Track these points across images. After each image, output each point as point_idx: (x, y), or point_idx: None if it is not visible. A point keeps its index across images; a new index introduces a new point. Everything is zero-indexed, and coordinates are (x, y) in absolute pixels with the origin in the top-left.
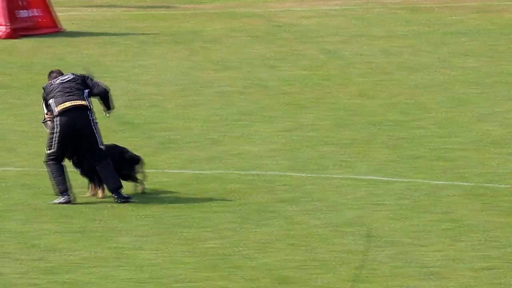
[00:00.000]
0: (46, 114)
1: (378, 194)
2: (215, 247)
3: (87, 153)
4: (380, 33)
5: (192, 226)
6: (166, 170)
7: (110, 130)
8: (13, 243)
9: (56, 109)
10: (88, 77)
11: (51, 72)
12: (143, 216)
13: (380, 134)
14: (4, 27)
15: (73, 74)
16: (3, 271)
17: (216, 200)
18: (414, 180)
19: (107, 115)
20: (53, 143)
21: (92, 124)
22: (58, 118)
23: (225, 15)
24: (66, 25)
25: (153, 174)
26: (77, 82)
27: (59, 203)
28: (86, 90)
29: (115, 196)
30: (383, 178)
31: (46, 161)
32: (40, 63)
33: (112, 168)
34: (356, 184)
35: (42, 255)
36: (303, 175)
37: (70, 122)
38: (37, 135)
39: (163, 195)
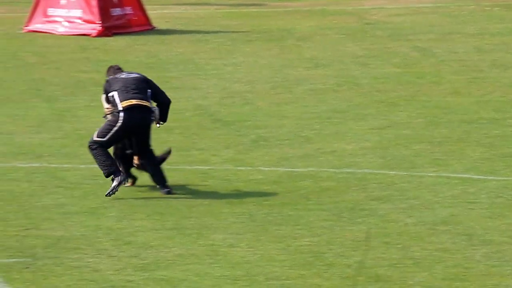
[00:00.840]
0: (107, 108)
1: (473, 192)
2: (309, 245)
3: (137, 149)
4: (473, 30)
5: (286, 223)
6: (259, 168)
7: (203, 128)
8: (109, 240)
9: (121, 105)
10: (152, 81)
11: (111, 67)
12: (237, 214)
13: (473, 132)
14: (97, 25)
15: (138, 73)
16: (99, 268)
17: (310, 197)
18: (508, 178)
19: (158, 125)
20: (108, 134)
21: (151, 125)
22: (122, 114)
23: (316, 12)
24: (159, 23)
25: (246, 172)
26: (143, 81)
27: (114, 187)
28: (149, 91)
29: (161, 188)
30: (477, 176)
31: (90, 146)
32: (134, 61)
33: (159, 166)
34: (450, 182)
35: (137, 252)
36: (397, 173)
37: (133, 120)
38: None
39: (256, 193)
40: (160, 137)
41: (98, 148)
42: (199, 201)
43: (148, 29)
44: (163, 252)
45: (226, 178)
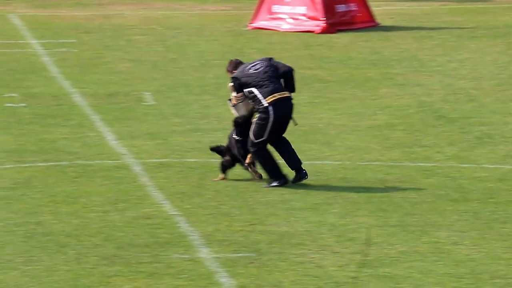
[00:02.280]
0: (236, 97)
1: None
2: None
3: (276, 138)
4: None
5: (511, 221)
6: (483, 165)
7: (426, 125)
8: (332, 236)
9: (265, 101)
10: (272, 59)
11: (232, 61)
12: (461, 211)
13: None
14: (321, 22)
15: (263, 60)
16: (323, 264)
17: None
18: None
19: (294, 123)
20: (265, 132)
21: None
22: (271, 108)
23: None
24: (383, 20)
25: (470, 169)
26: (272, 69)
27: (274, 186)
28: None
29: (296, 173)
30: None
31: (255, 151)
32: (357, 57)
33: (293, 149)
34: None
35: (360, 248)
36: None
37: (282, 112)
38: (355, 129)
39: (480, 190)
40: (383, 134)
41: (263, 152)
42: (422, 198)
43: (372, 26)
44: (386, 249)
45: (449, 175)
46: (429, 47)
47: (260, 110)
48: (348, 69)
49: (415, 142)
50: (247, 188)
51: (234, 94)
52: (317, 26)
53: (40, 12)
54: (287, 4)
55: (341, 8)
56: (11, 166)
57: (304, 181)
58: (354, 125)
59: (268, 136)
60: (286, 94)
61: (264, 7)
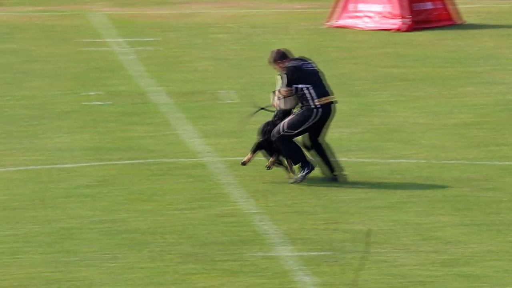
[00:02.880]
0: (286, 91)
1: None
2: None
3: (314, 136)
4: None
5: None
6: None
7: (504, 123)
8: (416, 234)
9: (317, 101)
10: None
11: (279, 52)
12: None
13: None
14: (405, 19)
15: (310, 60)
16: (407, 262)
17: None
18: None
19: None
20: (300, 127)
21: None
22: (320, 110)
23: None
24: (469, 17)
25: None
26: (321, 73)
27: (306, 174)
28: None
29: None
30: None
31: (279, 137)
32: (442, 55)
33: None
34: None
35: (444, 247)
36: None
37: (327, 115)
38: (440, 128)
39: None
40: (468, 132)
41: (286, 139)
42: (509, 197)
43: (458, 24)
44: (471, 248)
45: None
46: None
47: (306, 107)
48: (433, 67)
49: (501, 141)
50: (331, 187)
51: (283, 86)
52: (403, 24)
53: (126, 11)
54: (371, 2)
55: (426, 5)
56: (97, 163)
57: (388, 180)
58: (440, 123)
59: (300, 132)
60: (334, 98)
61: (347, 5)
